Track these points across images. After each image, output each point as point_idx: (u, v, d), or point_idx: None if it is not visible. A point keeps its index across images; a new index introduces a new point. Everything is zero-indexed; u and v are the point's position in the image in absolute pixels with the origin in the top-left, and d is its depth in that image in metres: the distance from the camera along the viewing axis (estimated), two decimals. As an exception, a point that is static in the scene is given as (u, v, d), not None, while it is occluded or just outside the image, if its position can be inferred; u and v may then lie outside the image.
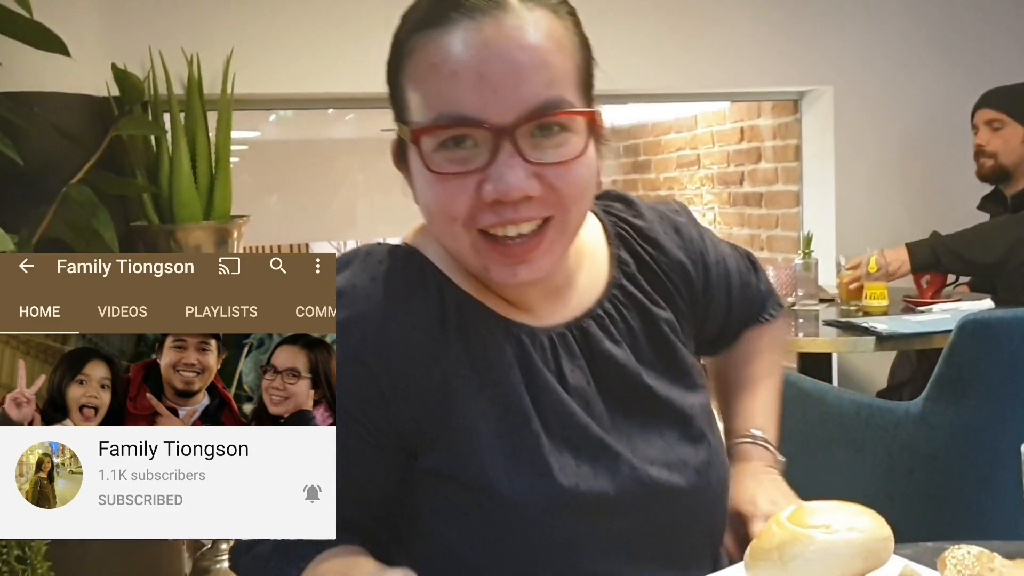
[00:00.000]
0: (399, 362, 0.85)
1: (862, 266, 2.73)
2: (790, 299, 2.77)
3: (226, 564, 2.51)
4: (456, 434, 0.87)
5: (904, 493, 2.01)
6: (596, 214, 1.02)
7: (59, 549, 2.05)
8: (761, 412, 1.16)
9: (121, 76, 2.37)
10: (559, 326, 0.94)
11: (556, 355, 0.93)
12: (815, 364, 2.80)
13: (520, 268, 0.87)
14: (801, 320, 2.67)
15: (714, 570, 0.94)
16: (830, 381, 2.92)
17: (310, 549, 0.84)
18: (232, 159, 2.62)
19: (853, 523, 0.80)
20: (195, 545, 2.55)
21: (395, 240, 0.99)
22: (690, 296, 1.04)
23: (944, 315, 2.48)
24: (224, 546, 2.52)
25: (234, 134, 2.54)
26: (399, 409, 0.86)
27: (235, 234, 2.49)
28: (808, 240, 2.93)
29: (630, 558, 0.92)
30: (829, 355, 2.95)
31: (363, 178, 4.32)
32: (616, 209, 1.04)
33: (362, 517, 0.88)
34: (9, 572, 1.94)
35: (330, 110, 4.50)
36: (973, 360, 1.92)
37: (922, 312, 2.59)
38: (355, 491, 0.84)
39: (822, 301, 2.84)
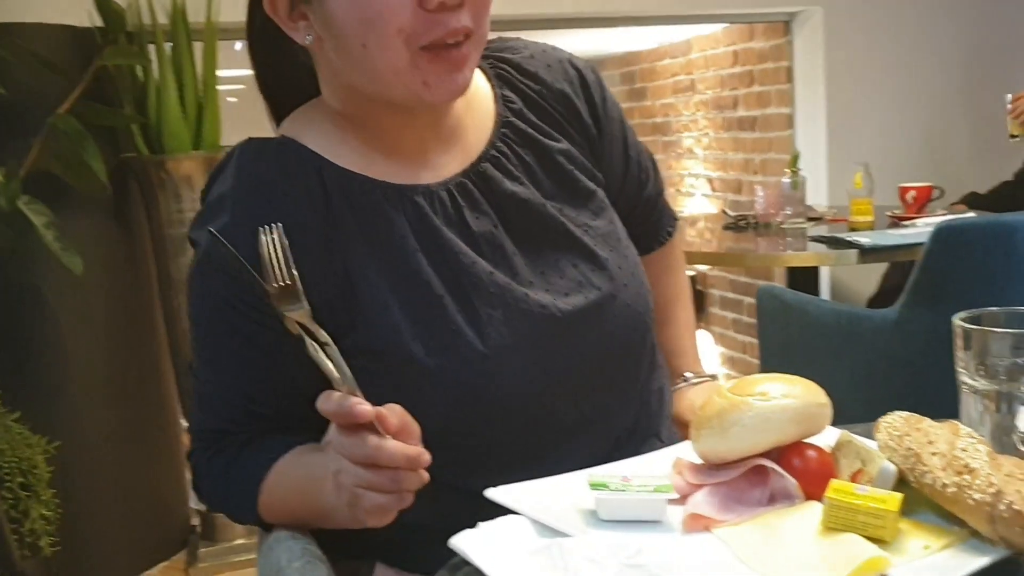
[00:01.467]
0: (296, 255, 0.84)
1: (862, 177, 2.74)
2: (778, 218, 2.80)
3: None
4: (368, 313, 0.90)
5: (882, 397, 2.06)
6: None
7: (63, 481, 2.12)
8: (691, 345, 1.22)
9: (104, 5, 2.37)
10: (456, 176, 0.96)
11: (457, 207, 0.94)
12: (803, 278, 2.84)
13: (457, 75, 0.88)
14: (789, 238, 2.69)
15: (647, 420, 1.01)
16: (817, 295, 2.95)
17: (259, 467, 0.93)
18: (230, 99, 2.62)
19: (788, 391, 0.84)
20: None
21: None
22: (580, 125, 1.04)
23: (927, 229, 2.50)
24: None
25: (231, 72, 2.54)
26: (309, 298, 0.84)
27: (225, 163, 2.51)
28: (795, 159, 2.94)
29: (566, 395, 0.95)
30: (816, 270, 2.98)
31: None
32: (492, 48, 1.04)
33: (299, 407, 0.88)
34: (13, 499, 2.00)
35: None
36: (948, 267, 1.95)
37: (906, 226, 2.61)
38: (281, 385, 0.92)
39: (810, 219, 2.86)
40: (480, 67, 1.01)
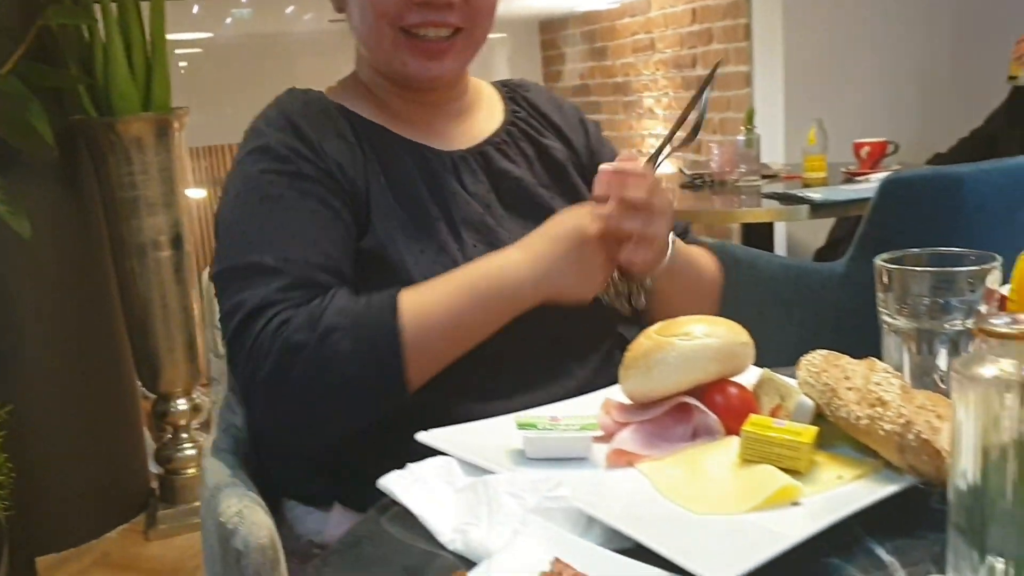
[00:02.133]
0: (331, 155, 1.02)
1: (816, 133, 2.76)
2: (733, 176, 2.81)
3: (188, 452, 2.57)
4: (376, 221, 1.01)
5: (830, 347, 2.09)
6: (492, 85, 1.21)
7: (16, 445, 2.11)
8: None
9: (46, -37, 2.32)
10: (460, 151, 1.10)
11: (458, 171, 1.08)
12: (758, 235, 2.86)
13: (432, 64, 1.05)
14: (744, 196, 2.71)
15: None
16: (772, 251, 2.98)
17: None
18: (181, 63, 2.58)
19: (711, 331, 0.86)
20: (158, 435, 2.61)
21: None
22: (577, 148, 1.19)
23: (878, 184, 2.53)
24: (185, 435, 2.58)
25: (186, 35, 2.50)
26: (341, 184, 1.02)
27: (176, 125, 2.48)
28: (750, 116, 2.95)
29: (532, 340, 1.00)
30: (771, 226, 3.01)
31: (324, 78, 4.27)
32: (510, 84, 1.24)
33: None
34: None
35: (290, 8, 4.42)
36: (895, 218, 1.98)
37: (859, 182, 2.64)
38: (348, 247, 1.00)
39: (765, 177, 2.88)
40: (496, 88, 1.21)
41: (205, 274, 1.28)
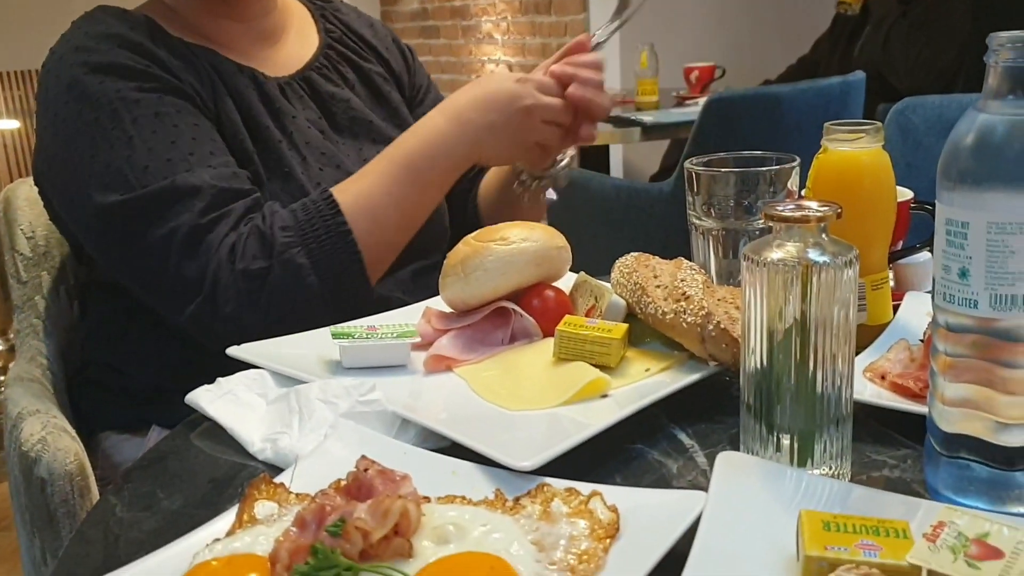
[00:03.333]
0: (178, 72, 0.99)
1: (647, 57, 2.80)
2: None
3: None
4: (228, 140, 1.00)
5: (659, 265, 2.16)
6: (300, 1, 1.19)
7: None
8: None
9: None
10: (285, 77, 1.09)
11: (288, 97, 1.07)
12: (595, 158, 2.91)
13: None
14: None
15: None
16: (608, 173, 3.04)
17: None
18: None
19: (527, 236, 0.86)
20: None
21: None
22: (391, 72, 1.20)
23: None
24: (1, 378, 2.44)
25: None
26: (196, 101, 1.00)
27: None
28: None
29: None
30: (606, 149, 3.07)
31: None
32: (317, 1, 1.22)
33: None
34: None
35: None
36: (718, 138, 2.05)
37: (689, 105, 2.71)
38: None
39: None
40: (303, 3, 1.18)
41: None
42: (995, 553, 0.47)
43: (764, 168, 0.88)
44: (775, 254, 0.61)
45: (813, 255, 0.60)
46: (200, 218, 0.90)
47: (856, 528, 0.50)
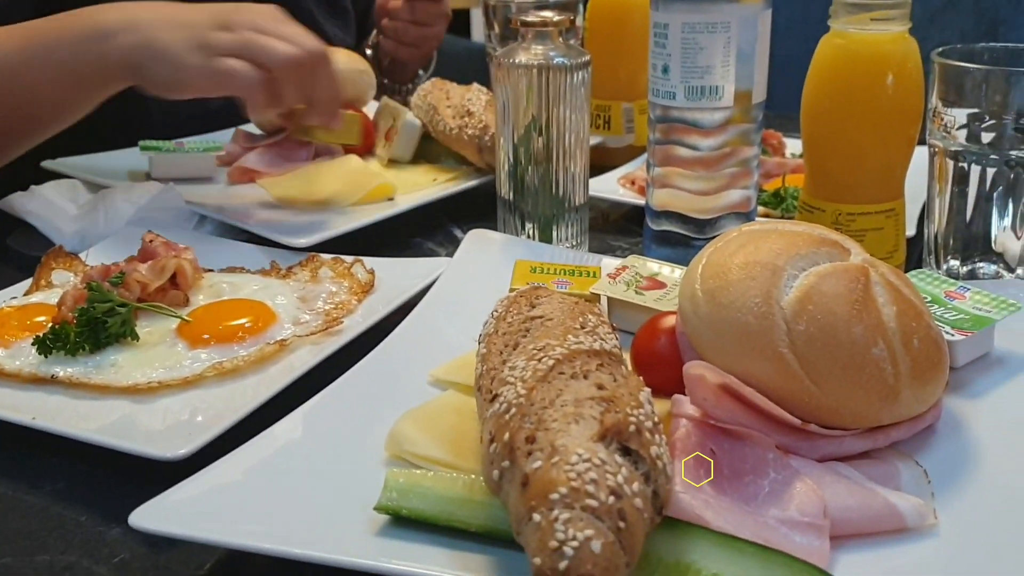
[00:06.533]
0: None
1: None
2: None
3: None
4: None
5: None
6: None
7: None
8: None
9: None
10: None
11: None
12: (456, 23, 2.93)
13: None
14: None
15: None
16: (469, 37, 3.07)
17: None
18: None
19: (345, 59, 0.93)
20: None
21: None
22: None
23: None
24: None
25: None
26: None
27: None
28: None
29: None
30: (467, 14, 3.10)
31: None
32: None
33: None
34: None
35: None
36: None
37: None
38: None
39: None
40: None
41: None
42: (659, 285, 0.58)
43: None
44: (520, 57, 0.69)
45: (552, 57, 0.68)
46: None
47: (557, 271, 0.60)
